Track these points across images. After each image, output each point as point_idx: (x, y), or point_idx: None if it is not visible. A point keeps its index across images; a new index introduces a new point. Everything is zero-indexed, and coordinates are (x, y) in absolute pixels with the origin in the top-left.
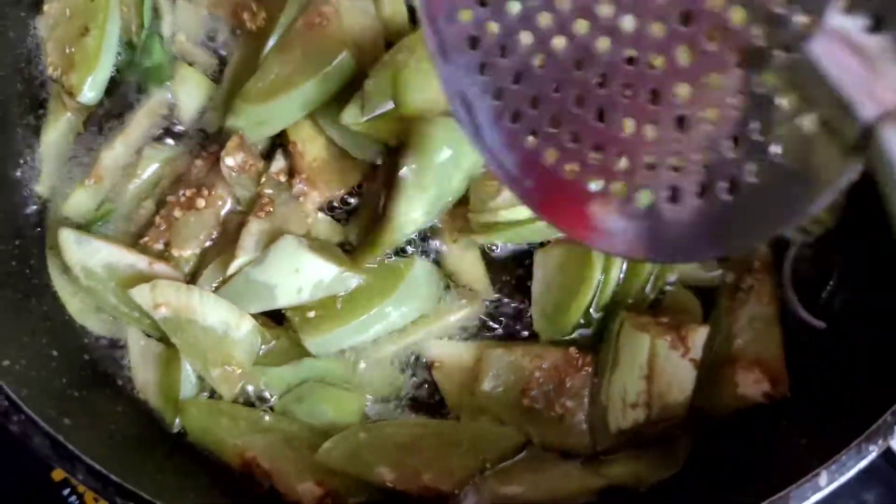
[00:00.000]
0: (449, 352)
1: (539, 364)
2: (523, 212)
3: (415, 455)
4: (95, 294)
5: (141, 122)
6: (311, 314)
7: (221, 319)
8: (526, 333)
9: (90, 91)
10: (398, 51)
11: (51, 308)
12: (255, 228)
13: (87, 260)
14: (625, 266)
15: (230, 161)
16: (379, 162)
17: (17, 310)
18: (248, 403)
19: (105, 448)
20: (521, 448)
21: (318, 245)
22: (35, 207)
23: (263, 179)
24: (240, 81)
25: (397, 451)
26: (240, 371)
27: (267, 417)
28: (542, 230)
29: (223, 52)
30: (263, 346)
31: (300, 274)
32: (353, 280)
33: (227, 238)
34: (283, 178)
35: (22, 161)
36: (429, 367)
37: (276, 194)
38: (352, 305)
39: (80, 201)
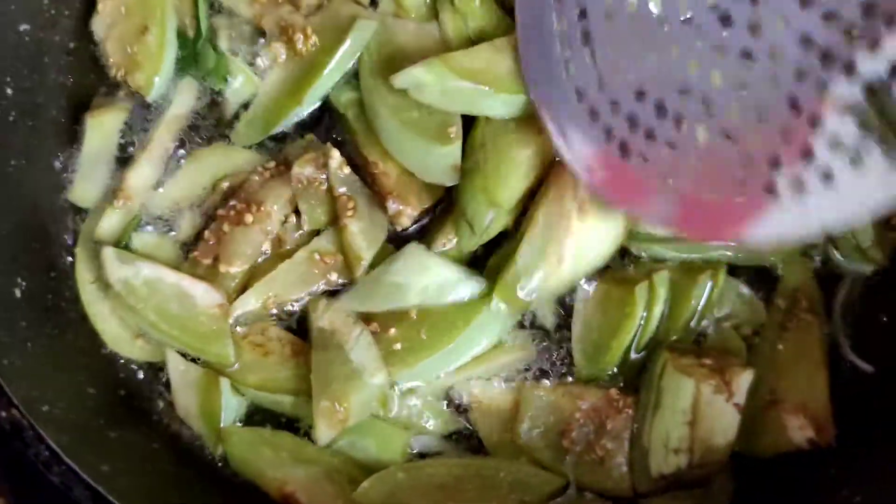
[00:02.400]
0: (487, 393)
1: (579, 405)
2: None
3: (455, 496)
4: (136, 313)
5: (162, 135)
6: (398, 346)
7: (365, 360)
8: (563, 372)
9: (159, 89)
10: (471, 153)
11: (87, 342)
12: (356, 228)
13: (129, 278)
14: (668, 304)
15: (301, 171)
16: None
17: (54, 347)
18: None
19: (143, 491)
20: (561, 490)
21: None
22: (67, 236)
23: (330, 180)
24: (280, 100)
25: (437, 491)
26: (344, 416)
27: (310, 448)
28: (675, 246)
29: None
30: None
31: (427, 273)
32: (476, 286)
33: (275, 257)
34: (346, 171)
35: (59, 189)
36: (465, 408)
37: (353, 193)
38: (436, 333)
39: (111, 223)
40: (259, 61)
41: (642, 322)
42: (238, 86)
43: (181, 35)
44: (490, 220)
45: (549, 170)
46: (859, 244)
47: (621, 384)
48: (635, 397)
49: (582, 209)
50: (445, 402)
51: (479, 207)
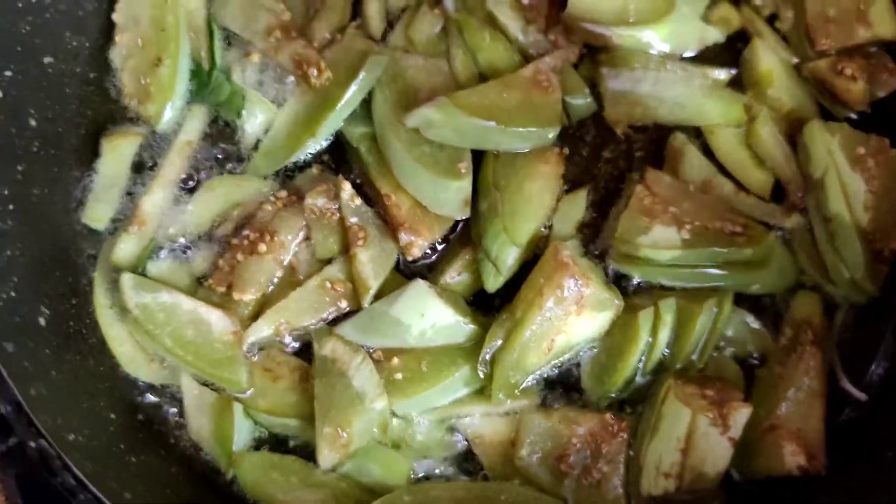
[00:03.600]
0: (488, 428)
1: (576, 430)
2: (665, 255)
3: None
4: (153, 338)
5: (174, 161)
6: (399, 376)
7: (366, 387)
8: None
9: (168, 120)
10: (485, 192)
11: (107, 367)
12: (365, 257)
13: (147, 304)
14: (674, 330)
15: (314, 202)
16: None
17: (77, 373)
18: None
19: None
20: None
21: (446, 294)
22: (87, 262)
23: (342, 210)
24: (295, 133)
25: None
26: (347, 441)
27: (318, 472)
28: (676, 275)
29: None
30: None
31: (427, 315)
32: (469, 328)
33: (287, 286)
34: (357, 202)
35: (78, 217)
36: (468, 442)
37: (364, 223)
38: (437, 367)
39: (126, 249)
40: (274, 94)
41: (648, 347)
42: (254, 118)
43: (195, 67)
44: (513, 258)
45: (553, 256)
46: (852, 276)
47: (626, 409)
48: (630, 421)
49: (580, 308)
50: (446, 428)
51: (502, 248)
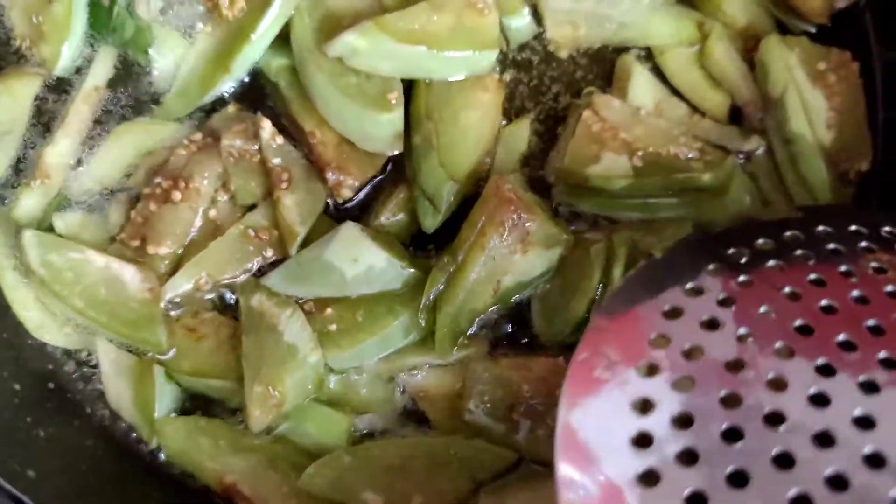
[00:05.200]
0: (432, 379)
1: (526, 377)
2: (617, 184)
3: (404, 478)
4: (61, 299)
5: (80, 109)
6: (333, 327)
7: (298, 341)
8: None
9: (66, 62)
10: (418, 125)
11: (11, 334)
12: (290, 201)
13: (52, 262)
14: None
15: (231, 143)
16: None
17: None
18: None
19: (75, 493)
20: (514, 465)
21: (380, 237)
22: None
23: (263, 151)
24: (207, 69)
25: (385, 474)
26: (279, 400)
27: (250, 436)
28: (630, 206)
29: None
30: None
31: (361, 259)
32: (407, 272)
33: (208, 236)
34: (279, 141)
35: None
36: (412, 396)
37: (287, 164)
38: (374, 316)
39: (29, 204)
40: (184, 28)
41: (601, 284)
42: (164, 56)
43: (94, 2)
44: (452, 194)
45: (494, 191)
46: (817, 201)
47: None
48: None
49: (526, 245)
50: (388, 381)
51: (439, 184)
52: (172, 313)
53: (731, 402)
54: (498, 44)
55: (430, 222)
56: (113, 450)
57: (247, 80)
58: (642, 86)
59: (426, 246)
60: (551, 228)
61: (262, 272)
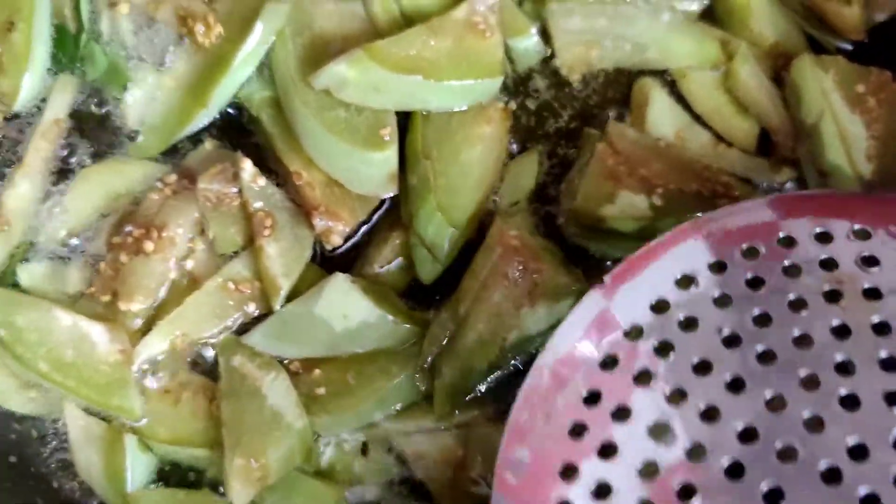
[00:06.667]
0: (431, 446)
1: None
2: (634, 226)
3: None
4: (23, 363)
5: (39, 146)
6: (321, 390)
7: (283, 407)
8: None
9: (27, 96)
10: (414, 163)
11: None
12: (273, 250)
13: (13, 322)
14: None
15: (208, 186)
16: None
17: None
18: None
19: None
20: None
21: (373, 289)
22: None
23: (243, 194)
24: (182, 103)
25: None
26: (263, 473)
27: None
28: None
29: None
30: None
31: (351, 315)
32: (403, 328)
33: (184, 290)
34: (261, 183)
35: None
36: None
37: (270, 208)
38: (366, 377)
39: None
40: (155, 58)
41: None
42: (135, 89)
43: (59, 30)
44: (452, 242)
45: (498, 239)
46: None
47: None
48: None
49: (534, 297)
50: (383, 449)
51: (438, 230)
52: (146, 379)
53: None
54: (502, 69)
55: (429, 272)
56: None
57: (225, 114)
58: (662, 112)
59: (424, 296)
60: (561, 278)
61: (243, 329)
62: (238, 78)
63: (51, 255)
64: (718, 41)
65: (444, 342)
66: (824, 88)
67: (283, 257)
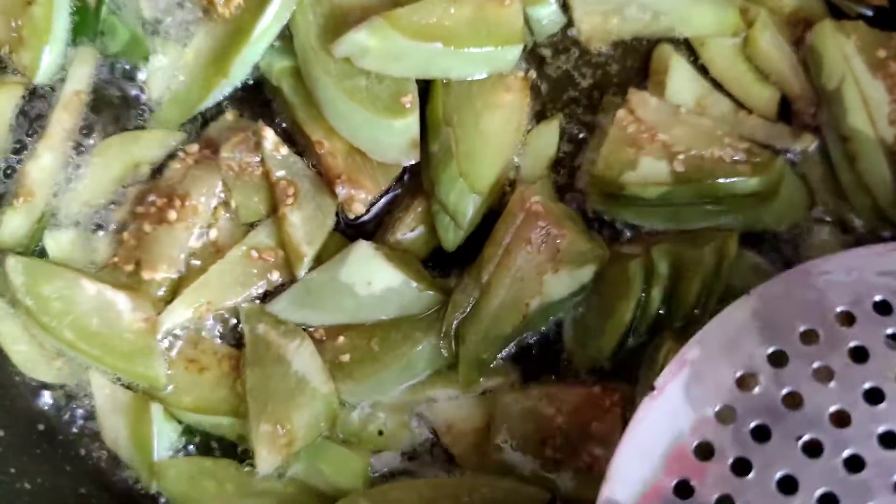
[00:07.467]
0: (456, 413)
1: (559, 408)
2: (655, 192)
3: None
4: (50, 331)
5: (61, 117)
6: (346, 357)
7: (308, 373)
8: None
9: (48, 69)
10: (435, 131)
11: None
12: (296, 218)
13: (39, 291)
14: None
15: (231, 156)
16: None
17: None
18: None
19: None
20: None
21: (396, 256)
22: None
23: (266, 163)
24: (203, 73)
25: None
26: (289, 439)
27: (258, 478)
28: (670, 215)
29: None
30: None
31: (375, 282)
32: (426, 295)
33: (207, 259)
34: (283, 152)
35: None
36: (434, 431)
37: (293, 177)
38: (390, 344)
39: (13, 225)
40: (177, 30)
41: (641, 303)
42: (157, 60)
43: (79, 3)
44: (474, 208)
45: (520, 205)
46: (877, 203)
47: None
48: (623, 393)
49: (556, 263)
50: (407, 416)
51: (461, 197)
52: (171, 348)
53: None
54: (522, 37)
55: (451, 239)
56: (111, 497)
57: (246, 84)
58: (682, 80)
59: (446, 264)
60: (584, 244)
61: (267, 297)
62: (258, 48)
63: (76, 225)
64: (738, 8)
65: (468, 309)
66: (846, 54)
67: (306, 225)
